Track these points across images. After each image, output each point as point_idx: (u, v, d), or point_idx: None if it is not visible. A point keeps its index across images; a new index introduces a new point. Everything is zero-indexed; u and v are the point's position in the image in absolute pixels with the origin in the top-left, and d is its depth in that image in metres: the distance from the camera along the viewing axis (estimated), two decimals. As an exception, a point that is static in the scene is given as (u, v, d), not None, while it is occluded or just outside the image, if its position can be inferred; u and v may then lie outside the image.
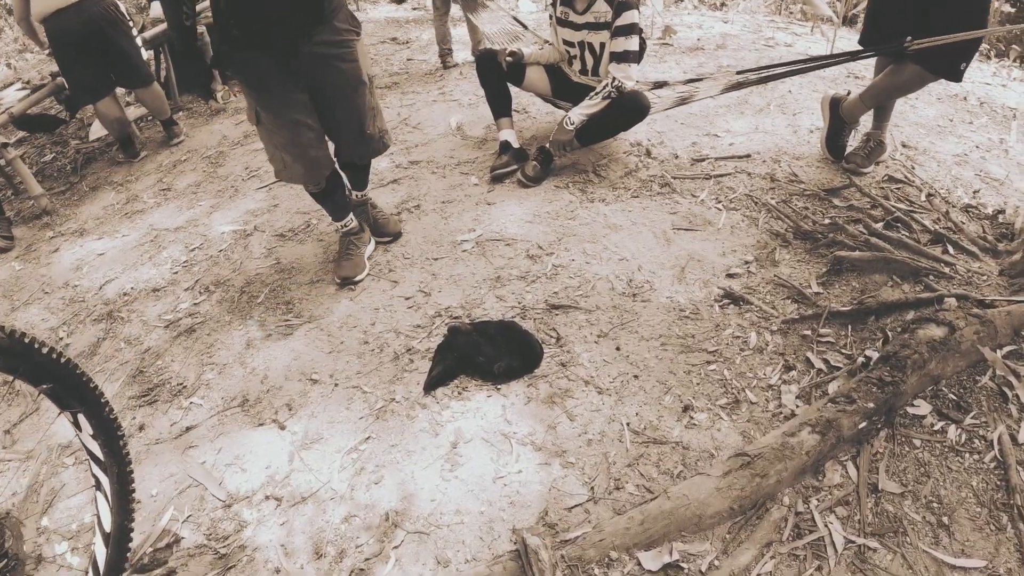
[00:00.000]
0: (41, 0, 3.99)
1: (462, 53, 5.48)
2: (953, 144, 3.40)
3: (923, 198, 2.85)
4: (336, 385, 2.20)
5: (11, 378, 1.32)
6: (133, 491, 1.57)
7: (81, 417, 1.44)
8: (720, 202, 2.96)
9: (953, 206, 2.79)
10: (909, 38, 2.52)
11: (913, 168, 3.12)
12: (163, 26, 4.89)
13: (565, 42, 3.18)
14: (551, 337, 2.24)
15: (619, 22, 2.91)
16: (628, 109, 2.99)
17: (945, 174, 3.11)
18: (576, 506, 1.69)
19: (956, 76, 2.61)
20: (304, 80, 2.28)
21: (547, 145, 3.19)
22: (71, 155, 5.24)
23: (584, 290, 2.46)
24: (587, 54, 3.12)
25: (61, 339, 2.83)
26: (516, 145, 3.34)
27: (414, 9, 8.31)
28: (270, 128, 2.38)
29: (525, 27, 3.89)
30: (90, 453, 1.51)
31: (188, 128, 4.86)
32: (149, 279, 3.10)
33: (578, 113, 3.04)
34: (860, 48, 2.85)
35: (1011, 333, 2.07)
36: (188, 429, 2.16)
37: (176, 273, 3.11)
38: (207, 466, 2.00)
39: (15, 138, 5.05)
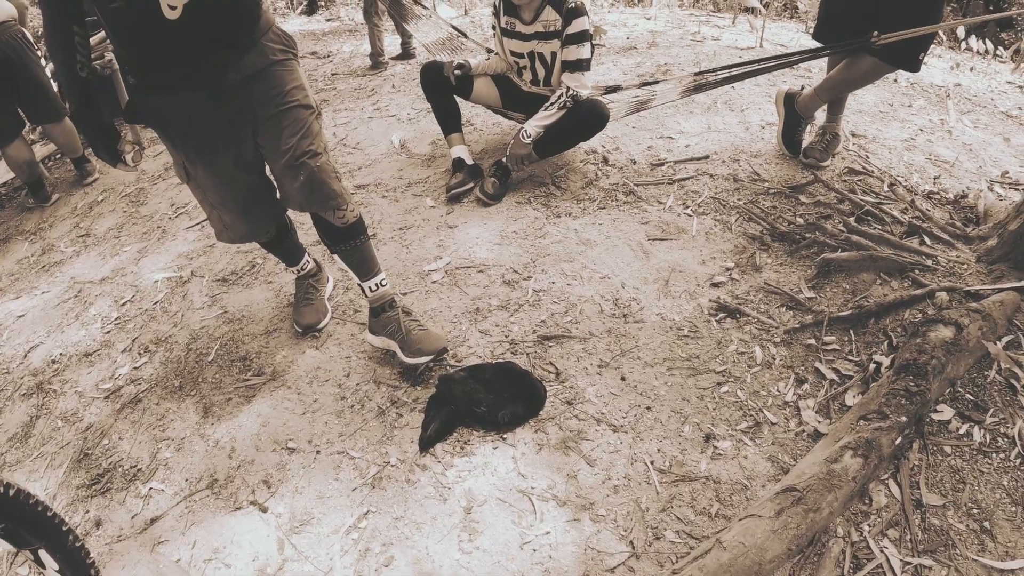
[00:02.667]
0: None
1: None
2: (899, 129, 3.45)
3: (886, 188, 2.85)
4: (318, 452, 1.97)
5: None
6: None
7: (43, 553, 1.19)
8: (688, 207, 2.88)
9: (916, 194, 2.80)
10: (876, 33, 2.49)
11: (868, 157, 3.13)
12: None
13: (513, 53, 3.03)
14: (550, 373, 2.09)
15: (570, 30, 2.78)
16: (588, 118, 2.87)
17: (898, 160, 3.13)
18: (618, 566, 1.54)
19: (915, 67, 2.61)
20: (238, 117, 1.86)
21: (504, 160, 3.03)
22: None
23: (572, 315, 2.32)
24: (538, 64, 2.97)
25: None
26: (470, 161, 3.17)
27: (328, 21, 7.99)
28: (203, 184, 1.99)
29: (465, 36, 3.72)
30: (59, 590, 1.26)
31: (102, 164, 4.45)
32: (79, 342, 2.77)
33: (534, 125, 2.90)
34: (821, 45, 2.82)
35: (1006, 323, 2.07)
36: (153, 521, 1.89)
37: (108, 333, 2.78)
38: (183, 564, 1.75)
39: None
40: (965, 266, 2.33)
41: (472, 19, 7.26)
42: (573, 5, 2.78)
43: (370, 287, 2.17)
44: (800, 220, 2.66)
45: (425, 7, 4.30)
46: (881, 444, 1.61)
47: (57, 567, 1.23)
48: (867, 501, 1.61)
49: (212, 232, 3.21)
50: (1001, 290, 2.14)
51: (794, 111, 3.04)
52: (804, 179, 2.92)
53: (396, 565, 1.63)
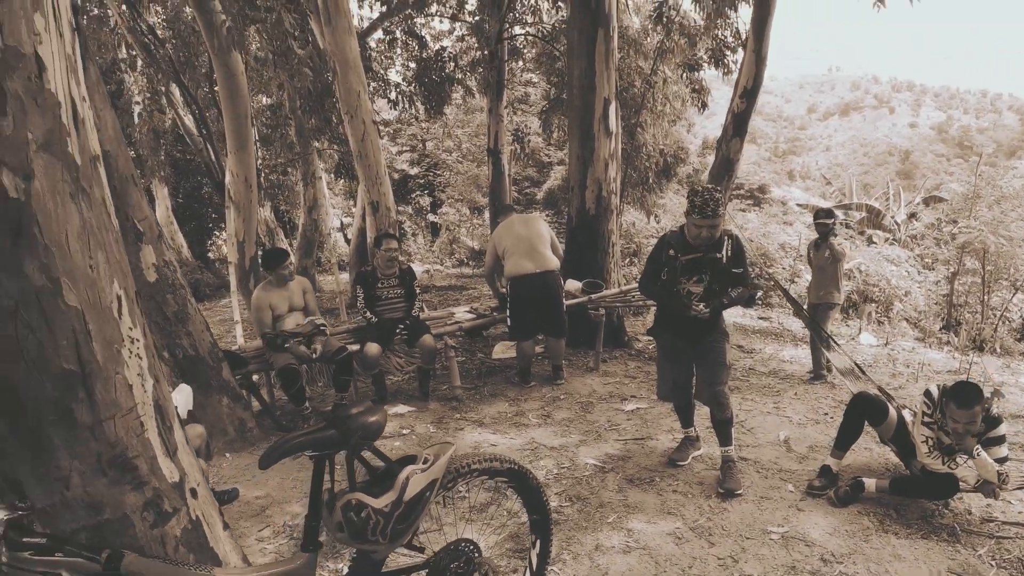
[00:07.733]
0: (515, 265, 5.98)
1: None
2: None
3: None
4: (656, 601, 3.06)
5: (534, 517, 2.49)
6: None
7: (538, 542, 2.55)
8: (995, 559, 3.33)
9: None
10: None
11: None
12: (572, 300, 6.76)
13: (927, 438, 3.77)
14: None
15: (992, 433, 3.57)
16: (940, 491, 3.68)
17: None
18: None
19: None
20: (693, 353, 4.16)
21: (864, 481, 3.87)
22: (476, 363, 7.19)
23: (857, 598, 3.04)
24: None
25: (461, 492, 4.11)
26: (835, 471, 4.07)
27: (760, 319, 9.55)
28: (660, 365, 4.44)
29: (863, 373, 4.74)
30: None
31: (568, 375, 6.46)
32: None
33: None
34: None
35: None
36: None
37: (550, 480, 4.32)
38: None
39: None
40: None
41: (890, 350, 8.00)
42: (996, 415, 3.62)
43: (723, 449, 4.17)
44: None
45: (838, 344, 5.43)
46: None
47: (538, 553, 2.56)
48: None
49: (629, 450, 4.68)
50: None
51: None
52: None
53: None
